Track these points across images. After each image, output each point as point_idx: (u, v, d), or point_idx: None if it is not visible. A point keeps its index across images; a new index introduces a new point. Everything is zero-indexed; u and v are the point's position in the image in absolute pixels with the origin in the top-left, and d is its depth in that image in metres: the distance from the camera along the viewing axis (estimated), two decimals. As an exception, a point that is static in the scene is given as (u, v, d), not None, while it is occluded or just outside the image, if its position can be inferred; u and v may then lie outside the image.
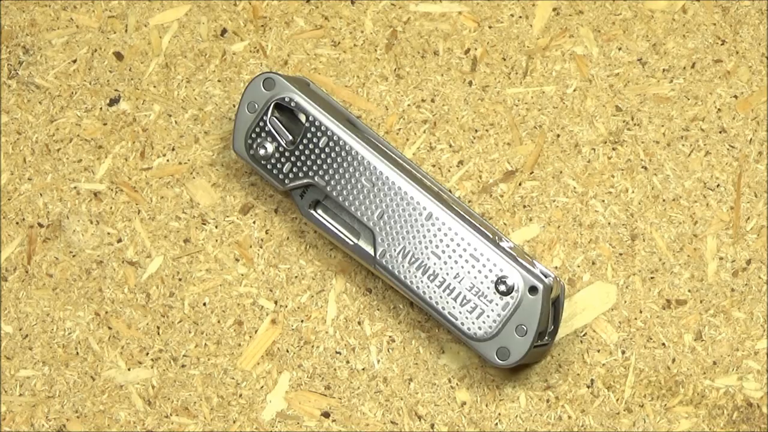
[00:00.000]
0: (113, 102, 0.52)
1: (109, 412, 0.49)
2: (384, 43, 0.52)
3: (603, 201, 0.49)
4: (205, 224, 0.50)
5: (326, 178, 0.47)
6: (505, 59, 0.51)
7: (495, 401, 0.48)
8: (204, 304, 0.49)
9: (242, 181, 0.51)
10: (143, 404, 0.48)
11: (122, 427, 0.48)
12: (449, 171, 0.50)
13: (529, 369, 0.48)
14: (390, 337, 0.49)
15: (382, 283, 0.49)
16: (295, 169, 0.47)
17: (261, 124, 0.47)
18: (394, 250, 0.46)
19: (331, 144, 0.47)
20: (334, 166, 0.47)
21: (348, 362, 0.48)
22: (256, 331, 0.49)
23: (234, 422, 0.48)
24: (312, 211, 0.47)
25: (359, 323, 0.49)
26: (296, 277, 0.49)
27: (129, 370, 0.49)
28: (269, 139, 0.47)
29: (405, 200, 0.46)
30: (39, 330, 0.50)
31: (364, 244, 0.47)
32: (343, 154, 0.46)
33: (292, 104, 0.47)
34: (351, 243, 0.47)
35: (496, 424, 0.48)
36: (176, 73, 0.52)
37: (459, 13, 0.52)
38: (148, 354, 0.49)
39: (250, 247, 0.50)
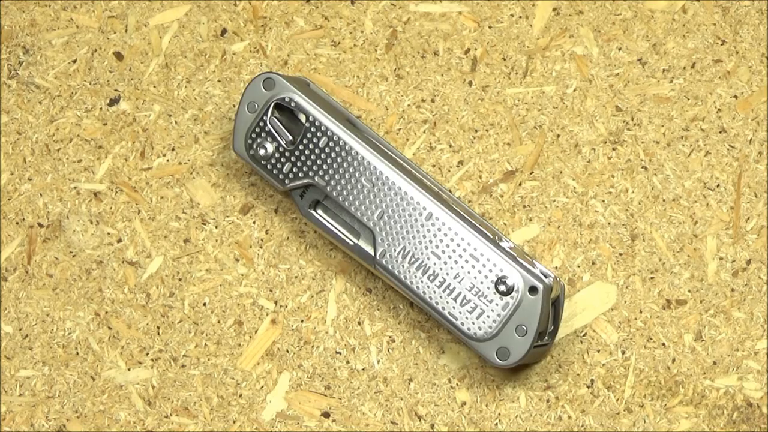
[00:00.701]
0: (113, 102, 0.52)
1: (109, 412, 0.49)
2: (384, 43, 0.52)
3: (603, 201, 0.49)
4: (205, 224, 0.50)
5: (326, 178, 0.47)
6: (505, 59, 0.51)
7: (495, 401, 0.48)
8: (204, 304, 0.49)
9: (242, 181, 0.51)
10: (143, 404, 0.48)
11: (122, 427, 0.48)
12: (449, 171, 0.50)
13: (529, 369, 0.48)
14: (390, 337, 0.49)
15: (382, 283, 0.49)
16: (295, 169, 0.47)
17: (261, 124, 0.47)
18: (394, 250, 0.46)
19: (331, 144, 0.47)
20: (334, 166, 0.46)
21: (348, 362, 0.48)
22: (256, 331, 0.49)
23: (234, 422, 0.48)
24: (312, 211, 0.47)
25: (359, 323, 0.49)
26: (296, 277, 0.49)
27: (129, 370, 0.49)
28: (269, 139, 0.47)
29: (405, 200, 0.46)
30: (39, 330, 0.50)
31: (364, 244, 0.47)
32: (343, 154, 0.46)
33: (292, 104, 0.47)
34: (351, 243, 0.47)
35: (496, 424, 0.48)
36: (176, 73, 0.52)
37: (459, 13, 0.52)
38: (148, 354, 0.49)
39: (250, 247, 0.50)
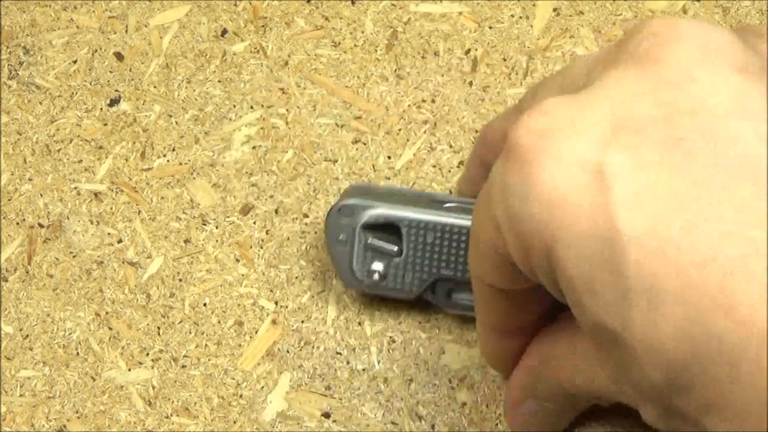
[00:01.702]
0: (113, 102, 0.52)
1: (109, 412, 0.49)
2: (384, 44, 0.52)
3: (603, 201, 0.49)
4: (205, 225, 0.50)
5: (451, 266, 0.45)
6: (505, 60, 0.51)
7: (495, 402, 0.48)
8: (204, 305, 0.49)
9: (243, 181, 0.51)
10: (144, 405, 0.48)
11: (123, 427, 0.48)
12: (450, 171, 0.50)
13: (530, 369, 0.48)
14: (390, 337, 0.48)
15: (382, 283, 0.49)
16: (417, 274, 0.45)
17: (359, 252, 0.45)
18: None
19: (436, 234, 0.44)
20: (451, 251, 0.44)
21: (348, 363, 0.48)
22: (256, 332, 0.49)
23: (234, 423, 0.48)
24: (453, 301, 0.46)
25: (360, 324, 0.49)
26: (297, 277, 0.49)
27: (129, 370, 0.49)
28: (376, 260, 0.45)
29: None
30: (39, 330, 0.50)
31: None
32: (451, 236, 0.44)
33: (381, 220, 0.45)
34: None
35: (497, 424, 0.48)
36: (176, 74, 0.52)
37: (459, 13, 0.52)
38: (148, 354, 0.49)
39: (251, 247, 0.50)
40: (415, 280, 0.45)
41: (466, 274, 0.44)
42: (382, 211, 0.45)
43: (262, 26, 0.52)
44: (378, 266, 0.45)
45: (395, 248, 0.45)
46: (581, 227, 0.28)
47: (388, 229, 0.45)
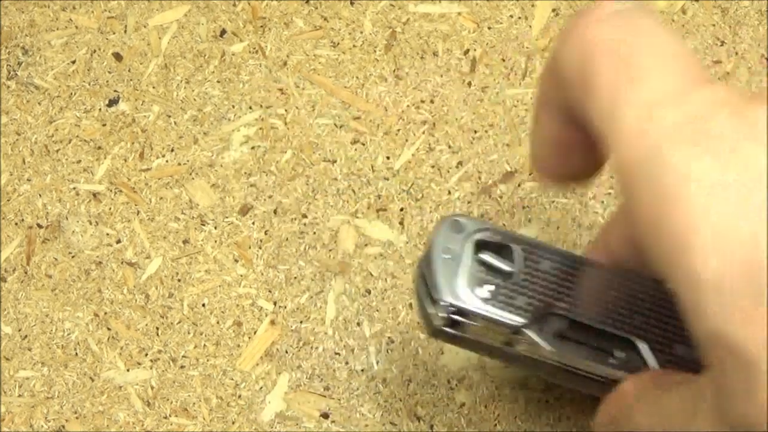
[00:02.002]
0: (112, 103, 0.52)
1: (108, 412, 0.48)
2: (383, 44, 0.52)
3: (602, 202, 0.49)
4: (204, 225, 0.50)
5: (567, 300, 0.39)
6: (504, 60, 0.51)
7: (494, 402, 0.48)
8: (203, 305, 0.49)
9: (241, 181, 0.51)
10: (142, 405, 0.48)
11: (121, 427, 0.48)
12: (448, 172, 0.50)
13: (529, 370, 0.48)
14: (389, 338, 0.48)
15: (381, 283, 0.49)
16: (529, 299, 0.39)
17: (467, 267, 0.39)
18: (668, 348, 0.39)
19: (554, 264, 0.40)
20: (568, 284, 0.39)
21: (347, 363, 0.48)
22: (255, 332, 0.49)
23: (233, 423, 0.48)
24: (559, 347, 0.39)
25: (358, 324, 0.49)
26: (295, 277, 0.49)
27: (128, 370, 0.49)
28: (486, 278, 0.39)
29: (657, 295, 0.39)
30: (38, 331, 0.50)
31: (631, 357, 0.39)
32: (572, 268, 0.40)
33: (497, 239, 0.40)
34: (616, 362, 0.39)
35: (495, 425, 0.48)
36: (175, 74, 0.52)
37: (458, 14, 0.52)
38: (147, 355, 0.49)
39: (249, 247, 0.50)
40: (527, 305, 0.39)
41: (583, 316, 0.39)
42: (495, 230, 0.40)
43: (261, 26, 0.52)
44: (488, 287, 0.39)
45: (508, 269, 0.39)
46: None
47: (498, 254, 0.40)
